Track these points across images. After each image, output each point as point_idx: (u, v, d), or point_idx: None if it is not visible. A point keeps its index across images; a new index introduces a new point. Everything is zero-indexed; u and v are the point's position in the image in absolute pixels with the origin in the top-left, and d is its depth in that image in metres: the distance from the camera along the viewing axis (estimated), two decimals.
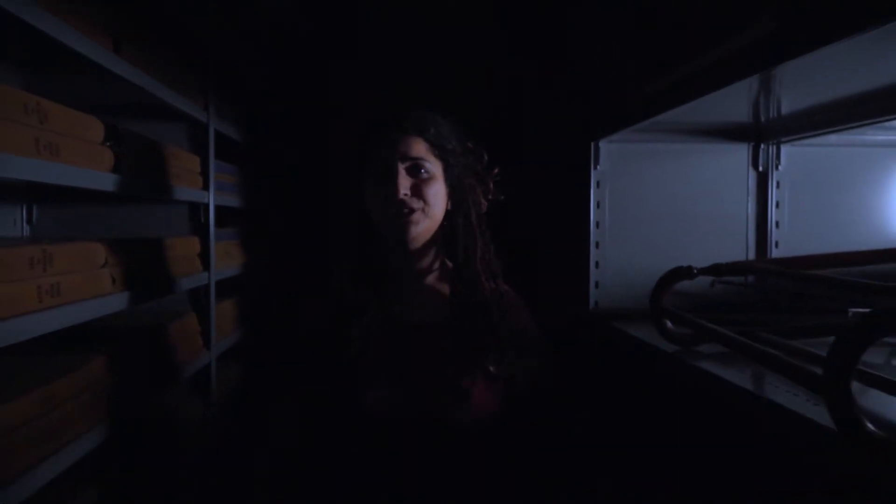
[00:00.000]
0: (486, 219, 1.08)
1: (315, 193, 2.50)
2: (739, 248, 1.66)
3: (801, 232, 1.65)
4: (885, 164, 1.63)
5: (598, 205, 1.66)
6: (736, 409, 0.98)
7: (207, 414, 1.83)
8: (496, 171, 1.10)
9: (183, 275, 1.64)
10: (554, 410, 1.07)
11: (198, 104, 1.78)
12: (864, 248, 1.45)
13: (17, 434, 0.93)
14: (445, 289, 1.05)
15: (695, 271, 1.22)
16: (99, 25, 1.18)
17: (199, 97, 1.80)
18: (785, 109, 1.41)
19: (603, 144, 1.66)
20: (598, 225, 1.66)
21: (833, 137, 1.54)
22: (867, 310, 0.80)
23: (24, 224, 1.83)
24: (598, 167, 1.66)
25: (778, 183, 1.65)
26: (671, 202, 1.67)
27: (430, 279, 1.06)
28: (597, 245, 1.66)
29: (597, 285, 1.65)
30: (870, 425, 0.64)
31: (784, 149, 1.65)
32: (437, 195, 1.00)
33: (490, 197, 1.09)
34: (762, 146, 1.65)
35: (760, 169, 1.65)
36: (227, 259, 2.04)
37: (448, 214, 1.03)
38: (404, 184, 0.96)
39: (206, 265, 1.83)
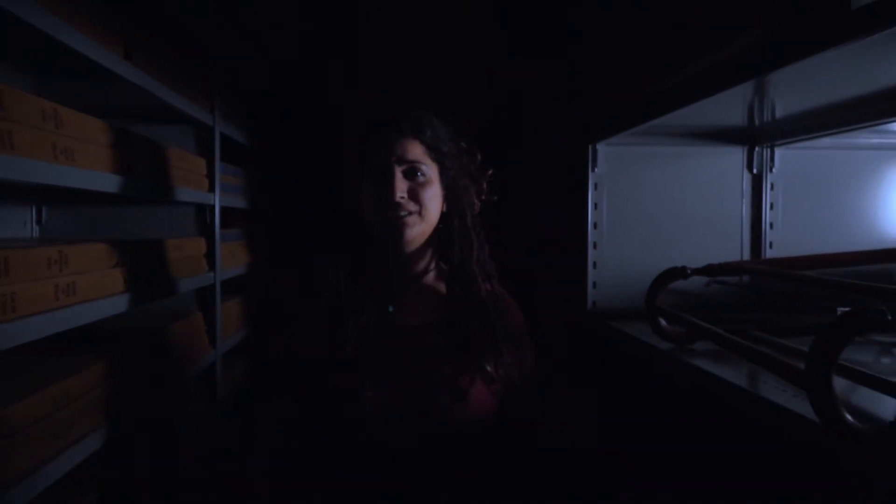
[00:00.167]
0: (482, 220, 1.08)
1: (316, 194, 2.53)
2: (734, 248, 1.70)
3: (795, 233, 1.68)
4: (877, 167, 1.66)
5: (595, 206, 1.69)
6: (727, 405, 1.01)
7: (210, 412, 1.86)
8: (490, 171, 1.10)
9: (189, 275, 1.68)
10: (547, 411, 1.08)
11: (204, 107, 1.82)
12: (856, 248, 1.49)
13: (29, 431, 0.96)
14: (441, 290, 1.05)
15: (689, 271, 1.26)
16: (111, 34, 1.22)
17: (205, 101, 1.84)
18: (779, 113, 1.44)
19: (601, 147, 1.69)
20: (595, 226, 1.69)
21: (826, 140, 1.57)
22: None
23: (34, 225, 1.87)
24: (596, 169, 1.69)
25: (772, 185, 1.69)
26: (668, 204, 1.70)
27: (426, 280, 1.06)
28: (594, 246, 1.69)
29: (594, 285, 1.69)
30: (849, 417, 0.67)
31: (778, 152, 1.68)
32: (433, 198, 1.00)
33: (483, 197, 1.10)
34: (757, 149, 1.68)
35: (755, 171, 1.69)
36: (232, 259, 2.08)
37: (443, 216, 1.04)
38: (401, 187, 0.96)
39: (211, 265, 1.87)
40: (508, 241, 2.24)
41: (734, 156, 1.70)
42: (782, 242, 1.68)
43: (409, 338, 0.99)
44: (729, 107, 1.35)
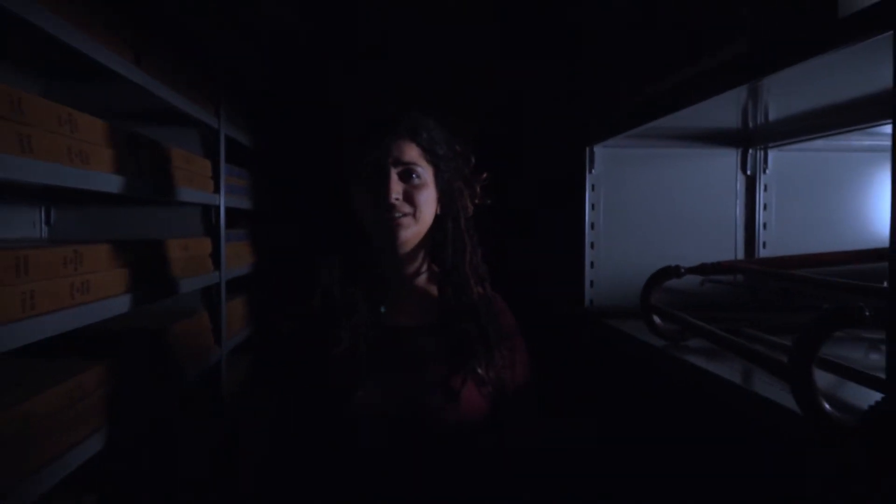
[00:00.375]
0: (481, 221, 1.09)
1: (315, 195, 2.56)
2: (729, 248, 1.73)
3: (788, 233, 1.72)
4: (867, 168, 1.70)
5: (593, 207, 1.73)
6: (718, 399, 1.04)
7: (212, 410, 1.89)
8: (484, 175, 1.10)
9: (195, 274, 1.72)
10: (540, 411, 1.08)
11: (209, 110, 1.86)
12: (847, 248, 1.52)
13: (46, 424, 1.00)
14: (433, 291, 1.05)
15: (682, 270, 1.30)
16: (123, 41, 1.26)
17: (210, 104, 1.88)
18: (772, 116, 1.47)
19: (598, 149, 1.73)
20: (593, 226, 1.73)
21: (819, 142, 1.61)
22: None
23: (43, 225, 1.91)
24: (593, 171, 1.73)
25: (765, 186, 1.72)
26: (664, 204, 1.74)
27: (418, 282, 1.06)
28: (592, 246, 1.73)
29: (592, 284, 1.73)
30: (828, 408, 0.71)
31: (771, 153, 1.72)
32: (428, 200, 1.00)
33: (477, 201, 1.10)
34: (750, 151, 1.72)
35: (749, 173, 1.73)
36: (237, 259, 2.12)
37: (437, 219, 1.04)
38: (396, 188, 0.96)
39: (217, 265, 1.91)
40: (508, 242, 2.29)
41: (728, 157, 1.74)
42: (776, 242, 1.72)
43: (402, 339, 1.00)
44: (723, 110, 1.38)
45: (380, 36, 2.55)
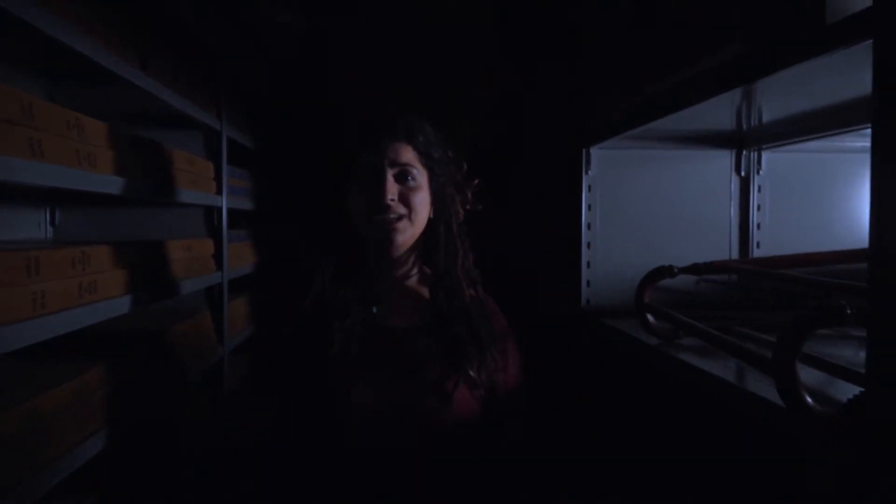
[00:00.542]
0: (472, 225, 1.09)
1: (313, 195, 2.57)
2: (723, 248, 1.76)
3: (782, 233, 1.74)
4: (859, 169, 1.72)
5: (589, 208, 1.76)
6: (710, 394, 1.07)
7: (213, 410, 1.91)
8: (476, 181, 1.11)
9: (198, 274, 1.75)
10: (534, 411, 1.09)
11: (211, 113, 1.88)
12: (841, 247, 1.54)
13: (55, 420, 1.03)
14: (423, 293, 1.06)
15: (675, 270, 1.32)
16: (128, 46, 1.29)
17: (213, 106, 1.91)
18: (766, 118, 1.49)
19: (594, 151, 1.75)
20: (589, 227, 1.76)
21: (812, 144, 1.62)
22: None
23: (48, 226, 1.94)
24: (590, 172, 1.76)
25: (759, 187, 1.75)
26: (659, 205, 1.76)
27: (410, 284, 1.07)
28: (588, 246, 1.75)
29: (588, 284, 1.75)
30: (810, 401, 0.74)
31: (765, 155, 1.74)
32: (423, 203, 1.01)
33: (468, 207, 1.10)
34: (744, 152, 1.74)
35: (743, 174, 1.75)
36: (238, 259, 2.15)
37: (429, 222, 1.04)
38: (392, 189, 0.97)
39: (219, 265, 1.94)
40: (507, 242, 2.31)
41: (723, 159, 1.76)
42: (770, 242, 1.74)
43: (394, 339, 1.00)
44: (717, 112, 1.40)
45: (380, 36, 2.56)
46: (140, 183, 1.36)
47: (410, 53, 2.49)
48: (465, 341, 0.99)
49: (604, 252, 1.76)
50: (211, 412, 1.90)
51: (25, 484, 0.92)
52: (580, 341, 1.77)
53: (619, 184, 1.76)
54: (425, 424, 0.94)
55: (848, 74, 1.02)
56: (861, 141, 1.68)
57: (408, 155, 1.00)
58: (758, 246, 1.75)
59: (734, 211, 1.76)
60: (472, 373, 0.97)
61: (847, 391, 0.89)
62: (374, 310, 1.01)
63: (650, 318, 1.33)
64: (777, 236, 1.75)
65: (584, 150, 1.75)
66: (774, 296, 1.62)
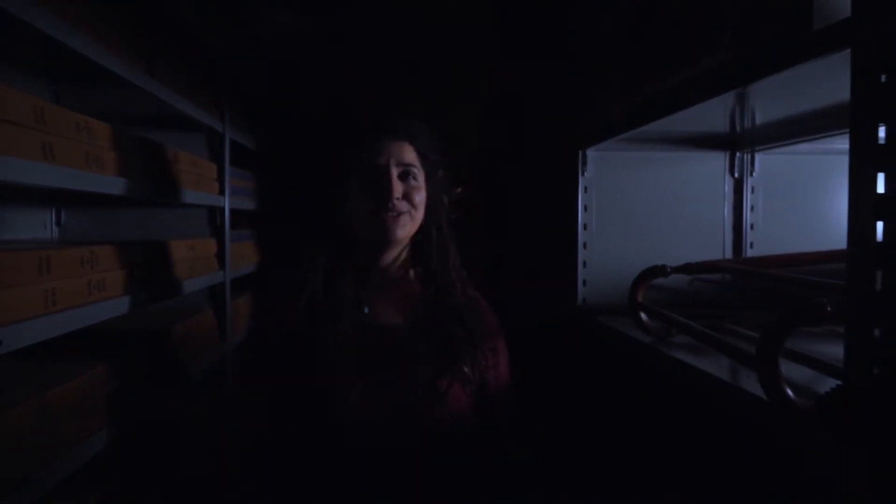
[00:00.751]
0: (479, 224, 1.14)
1: (311, 195, 2.58)
2: (717, 248, 1.79)
3: (774, 234, 1.77)
4: None
5: (585, 208, 1.79)
6: (700, 390, 1.10)
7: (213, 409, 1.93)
8: (459, 189, 1.14)
9: (201, 273, 1.78)
10: (525, 408, 1.11)
11: (214, 115, 1.92)
12: (833, 247, 1.57)
13: (63, 415, 1.05)
14: (415, 293, 1.07)
15: (668, 270, 1.35)
16: (133, 50, 1.32)
17: (215, 109, 1.94)
18: (759, 120, 1.52)
19: (590, 152, 1.79)
20: (585, 227, 1.79)
21: (804, 146, 1.65)
22: None
23: (54, 226, 1.97)
24: (586, 173, 1.79)
25: (752, 188, 1.78)
26: (654, 206, 1.79)
27: (402, 283, 1.08)
28: (584, 246, 1.79)
29: (584, 283, 1.78)
30: (791, 394, 0.77)
31: (758, 156, 1.77)
32: (423, 201, 1.04)
33: (453, 216, 1.12)
34: (738, 154, 1.77)
35: (736, 175, 1.78)
36: (241, 259, 2.18)
37: (421, 224, 1.06)
38: (398, 188, 0.99)
39: (222, 265, 1.97)
40: (505, 241, 2.34)
41: (716, 161, 1.79)
42: (763, 242, 1.77)
43: (387, 337, 1.01)
44: (711, 114, 1.43)
45: (380, 36, 2.58)
46: (145, 184, 1.39)
47: (410, 53, 2.51)
48: (459, 339, 1.01)
49: (599, 252, 1.79)
50: (212, 412, 1.93)
51: (34, 476, 0.95)
52: (576, 339, 1.80)
53: (615, 185, 1.80)
54: (420, 422, 0.96)
55: (836, 79, 1.04)
56: None
57: (410, 155, 1.03)
58: (751, 246, 1.78)
59: (728, 212, 1.79)
60: (466, 370, 0.99)
61: (830, 385, 0.93)
62: (367, 310, 1.03)
63: (644, 316, 1.36)
64: (770, 236, 1.78)
65: (580, 152, 1.78)
66: (766, 295, 1.65)
